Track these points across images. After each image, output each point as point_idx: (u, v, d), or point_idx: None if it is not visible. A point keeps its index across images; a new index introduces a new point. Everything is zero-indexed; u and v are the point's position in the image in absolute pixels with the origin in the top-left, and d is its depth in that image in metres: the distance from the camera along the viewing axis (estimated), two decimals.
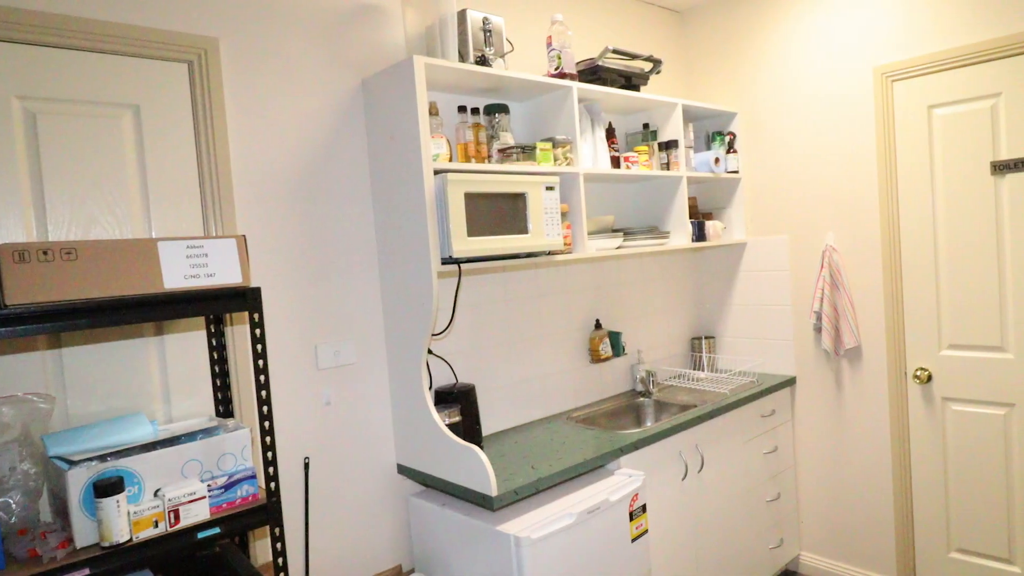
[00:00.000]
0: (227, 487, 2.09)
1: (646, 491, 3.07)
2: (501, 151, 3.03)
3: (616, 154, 3.61)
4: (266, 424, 2.14)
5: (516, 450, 3.07)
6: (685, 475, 3.38)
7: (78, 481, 1.82)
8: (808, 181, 4.02)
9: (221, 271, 2.04)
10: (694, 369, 4.53)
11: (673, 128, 3.86)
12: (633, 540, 2.90)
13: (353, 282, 2.89)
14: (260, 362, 2.12)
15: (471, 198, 2.67)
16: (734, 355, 4.51)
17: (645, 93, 3.69)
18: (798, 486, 4.25)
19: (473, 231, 2.68)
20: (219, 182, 2.48)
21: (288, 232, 2.70)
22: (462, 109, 3.09)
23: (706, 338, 4.52)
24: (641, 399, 3.94)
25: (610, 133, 3.64)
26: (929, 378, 3.63)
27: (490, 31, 2.95)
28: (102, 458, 1.90)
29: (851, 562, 4.06)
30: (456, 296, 3.10)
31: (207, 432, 2.13)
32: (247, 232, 2.57)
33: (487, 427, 3.37)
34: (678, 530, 3.34)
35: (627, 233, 3.61)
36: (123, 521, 1.84)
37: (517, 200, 2.84)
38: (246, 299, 2.09)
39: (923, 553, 3.77)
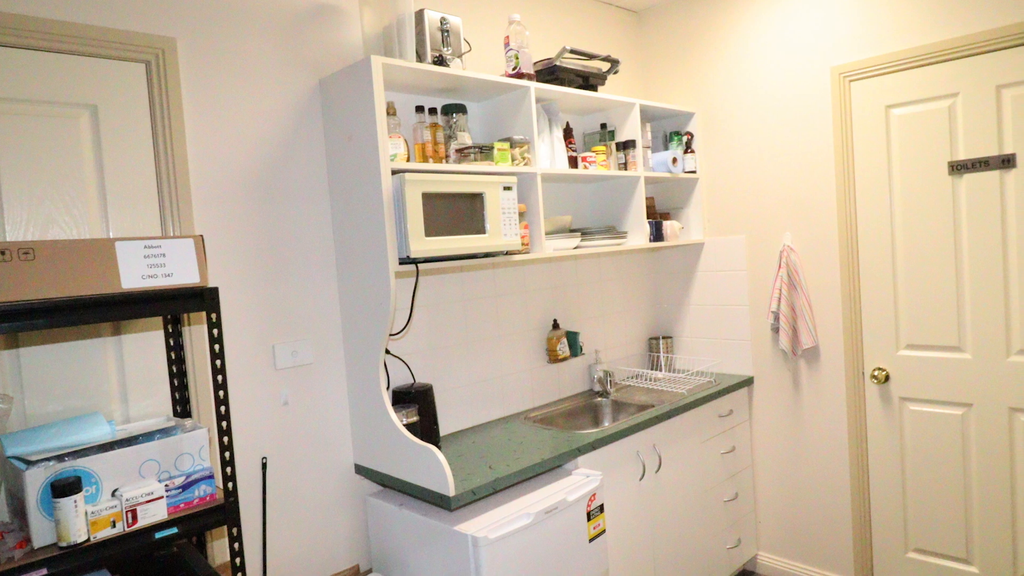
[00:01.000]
0: (185, 487, 2.15)
1: (604, 491, 3.21)
2: (459, 151, 3.16)
3: (574, 154, 3.77)
4: (224, 424, 2.22)
5: (474, 450, 3.20)
6: (643, 475, 3.52)
7: (35, 481, 1.88)
8: (765, 181, 4.19)
9: (179, 271, 2.11)
10: (652, 369, 4.71)
11: (631, 128, 4.03)
12: (591, 540, 3.02)
13: (311, 282, 3.00)
14: (218, 362, 2.21)
15: (428, 198, 2.78)
16: (692, 355, 4.68)
17: (603, 93, 3.85)
18: (756, 486, 4.43)
19: (431, 231, 2.79)
20: (176, 182, 2.58)
21: (246, 232, 2.80)
22: (420, 109, 3.21)
23: (664, 338, 4.69)
24: (599, 399, 4.09)
25: (568, 133, 3.79)
26: (887, 378, 3.78)
27: (447, 31, 3.08)
28: (59, 458, 1.95)
29: (809, 562, 4.23)
30: (414, 296, 3.20)
31: (165, 432, 2.20)
32: (205, 232, 2.67)
33: (445, 427, 3.50)
34: (636, 530, 3.49)
35: (585, 233, 3.76)
36: (81, 521, 1.90)
37: (475, 200, 2.96)
38: (204, 299, 2.17)
39: (881, 553, 3.93)
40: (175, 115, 2.57)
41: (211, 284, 2.62)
